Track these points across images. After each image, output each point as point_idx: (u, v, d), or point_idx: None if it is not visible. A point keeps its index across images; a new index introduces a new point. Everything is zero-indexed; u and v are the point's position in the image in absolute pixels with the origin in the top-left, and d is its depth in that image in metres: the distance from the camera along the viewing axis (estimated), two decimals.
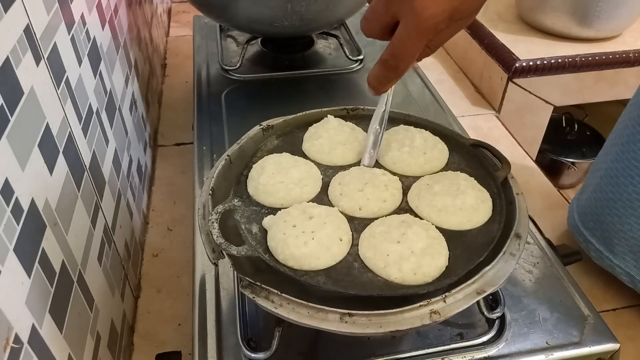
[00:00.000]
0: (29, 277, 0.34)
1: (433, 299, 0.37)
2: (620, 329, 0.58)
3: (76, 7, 0.51)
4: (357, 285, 0.39)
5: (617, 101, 1.00)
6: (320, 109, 0.55)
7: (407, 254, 0.40)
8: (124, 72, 0.69)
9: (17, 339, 0.32)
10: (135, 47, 0.79)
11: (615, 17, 0.92)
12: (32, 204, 0.36)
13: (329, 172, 0.49)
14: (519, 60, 0.90)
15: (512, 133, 0.89)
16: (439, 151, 0.50)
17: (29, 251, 0.35)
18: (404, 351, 0.44)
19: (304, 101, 0.79)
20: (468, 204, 0.44)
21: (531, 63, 0.90)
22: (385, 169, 0.49)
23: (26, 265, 0.34)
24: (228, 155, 0.49)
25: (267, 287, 0.38)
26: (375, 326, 0.37)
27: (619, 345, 0.45)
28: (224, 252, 0.40)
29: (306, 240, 0.40)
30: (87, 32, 0.53)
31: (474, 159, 0.51)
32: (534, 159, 0.86)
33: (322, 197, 0.47)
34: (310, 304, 0.37)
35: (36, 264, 0.36)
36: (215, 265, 0.42)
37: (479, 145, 0.51)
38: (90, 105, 0.52)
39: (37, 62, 0.39)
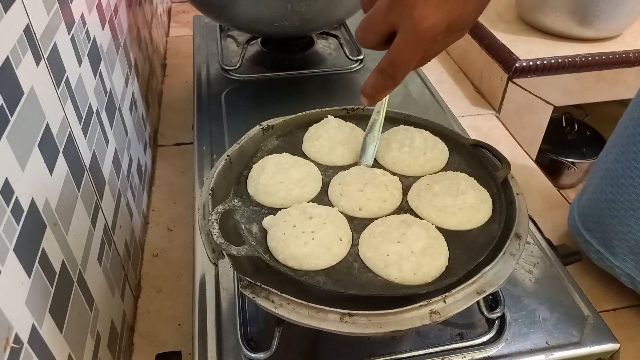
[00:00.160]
0: (29, 277, 0.34)
1: (433, 299, 0.37)
2: (620, 329, 0.58)
3: (76, 7, 0.51)
4: (357, 285, 0.39)
5: (617, 101, 1.00)
6: (320, 109, 0.55)
7: (407, 254, 0.40)
8: (124, 72, 0.69)
9: (17, 339, 0.32)
10: (135, 47, 0.79)
11: (615, 17, 0.92)
12: (32, 204, 0.36)
13: (329, 172, 0.49)
14: (519, 60, 0.90)
15: (512, 133, 0.89)
16: (439, 151, 0.50)
17: (29, 251, 0.35)
18: (404, 351, 0.44)
19: (304, 101, 0.79)
20: (468, 204, 0.44)
21: (531, 63, 0.90)
22: (385, 169, 0.49)
23: (26, 265, 0.34)
24: (228, 155, 0.49)
25: (267, 287, 0.38)
26: (375, 326, 0.36)
27: (619, 345, 0.45)
28: (224, 252, 0.40)
29: (306, 240, 0.40)
30: (87, 32, 0.53)
31: (474, 159, 0.51)
32: (534, 159, 0.86)
33: (322, 197, 0.47)
34: (310, 304, 0.37)
35: (36, 264, 0.36)
36: (215, 265, 0.42)
37: (479, 145, 0.51)
38: (90, 105, 0.52)
39: (37, 62, 0.39)
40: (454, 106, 0.81)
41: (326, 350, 0.45)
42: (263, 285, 0.38)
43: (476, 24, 1.01)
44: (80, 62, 0.50)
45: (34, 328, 0.34)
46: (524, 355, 0.44)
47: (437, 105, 0.77)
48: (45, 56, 0.41)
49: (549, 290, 0.50)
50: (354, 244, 0.42)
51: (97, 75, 0.56)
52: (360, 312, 0.37)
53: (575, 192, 0.69)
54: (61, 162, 0.42)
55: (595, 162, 0.65)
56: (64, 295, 0.40)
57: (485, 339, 0.46)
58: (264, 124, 0.53)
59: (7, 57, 0.34)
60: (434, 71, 1.05)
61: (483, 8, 0.39)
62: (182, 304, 0.63)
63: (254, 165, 0.49)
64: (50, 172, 0.40)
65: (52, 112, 0.41)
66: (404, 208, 0.46)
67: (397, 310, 0.37)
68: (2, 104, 0.33)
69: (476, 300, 0.38)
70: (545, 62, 0.90)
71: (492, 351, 0.45)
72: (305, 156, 0.51)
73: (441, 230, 0.43)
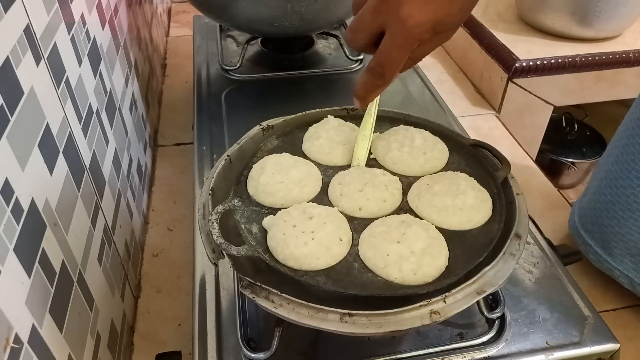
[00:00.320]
0: (29, 277, 0.34)
1: (433, 299, 0.37)
2: (620, 329, 0.58)
3: (76, 7, 0.51)
4: (357, 285, 0.39)
5: (617, 101, 1.00)
6: (320, 109, 0.55)
7: (407, 254, 0.40)
8: (124, 72, 0.69)
9: (17, 339, 0.32)
10: (135, 47, 0.79)
11: (615, 17, 0.92)
12: (32, 204, 0.36)
13: (329, 172, 0.49)
14: (519, 60, 0.90)
15: (512, 133, 0.89)
16: (439, 151, 0.50)
17: (29, 251, 0.35)
18: (404, 351, 0.45)
19: (304, 101, 0.79)
20: (468, 204, 0.44)
21: (531, 63, 0.90)
22: (385, 169, 0.49)
23: (26, 265, 0.34)
24: (228, 155, 0.49)
25: (267, 287, 0.38)
26: (375, 326, 0.36)
27: (618, 345, 0.45)
28: (224, 252, 0.40)
29: (306, 240, 0.40)
30: (87, 32, 0.53)
31: (474, 159, 0.51)
32: (534, 159, 0.86)
33: (322, 197, 0.47)
34: (310, 304, 0.37)
35: (36, 264, 0.36)
36: (215, 265, 0.42)
37: (478, 145, 0.51)
38: (90, 105, 0.52)
39: (37, 62, 0.39)
40: (454, 106, 0.81)
41: (326, 350, 0.45)
42: (263, 285, 0.38)
43: (476, 24, 1.01)
44: (80, 62, 0.50)
45: (34, 328, 0.34)
46: (524, 355, 0.44)
47: (437, 105, 0.77)
48: (45, 56, 0.41)
49: (549, 290, 0.50)
50: (354, 244, 0.42)
51: (97, 75, 0.56)
52: (360, 312, 0.37)
53: (575, 192, 0.69)
54: (61, 162, 0.42)
55: (596, 164, 0.65)
56: (64, 295, 0.40)
57: (485, 339, 0.46)
58: (264, 124, 0.53)
59: (7, 57, 0.34)
60: (434, 71, 1.05)
61: (469, 11, 0.40)
62: (182, 304, 0.63)
63: (254, 165, 0.49)
64: (50, 172, 0.40)
65: (52, 112, 0.41)
66: (404, 208, 0.46)
67: (397, 310, 0.37)
68: (2, 104, 0.33)
69: (476, 300, 0.38)
70: (545, 62, 0.90)
71: (492, 351, 0.45)
72: (305, 156, 0.51)
73: (441, 230, 0.43)
